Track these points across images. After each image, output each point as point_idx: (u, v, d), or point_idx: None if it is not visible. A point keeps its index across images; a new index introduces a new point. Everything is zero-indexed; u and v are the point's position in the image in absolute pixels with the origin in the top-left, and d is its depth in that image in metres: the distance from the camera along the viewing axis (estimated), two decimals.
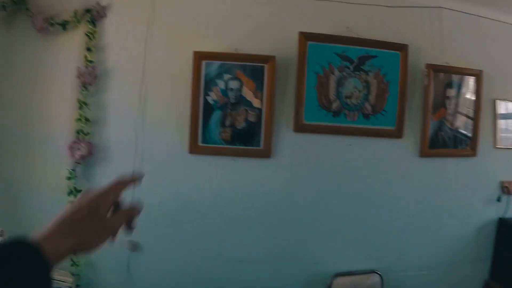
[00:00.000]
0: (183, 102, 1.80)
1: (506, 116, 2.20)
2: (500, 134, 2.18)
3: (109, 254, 1.75)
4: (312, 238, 1.89)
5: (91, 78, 1.79)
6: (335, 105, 1.84)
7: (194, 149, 1.80)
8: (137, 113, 1.82)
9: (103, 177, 1.82)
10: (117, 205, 0.50)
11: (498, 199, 2.16)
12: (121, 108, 1.84)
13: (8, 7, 1.74)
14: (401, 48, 1.89)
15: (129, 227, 0.51)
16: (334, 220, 1.90)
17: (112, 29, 1.85)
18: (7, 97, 1.79)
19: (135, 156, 1.82)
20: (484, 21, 2.17)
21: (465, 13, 2.13)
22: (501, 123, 2.18)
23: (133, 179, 0.51)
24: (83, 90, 1.79)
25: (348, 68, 1.85)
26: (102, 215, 0.46)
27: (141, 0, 1.86)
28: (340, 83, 1.84)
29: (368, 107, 1.87)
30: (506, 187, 2.18)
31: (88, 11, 1.81)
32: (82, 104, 1.79)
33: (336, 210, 1.90)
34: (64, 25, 1.78)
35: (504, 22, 2.23)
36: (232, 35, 1.84)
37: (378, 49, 1.87)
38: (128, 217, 0.50)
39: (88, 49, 1.80)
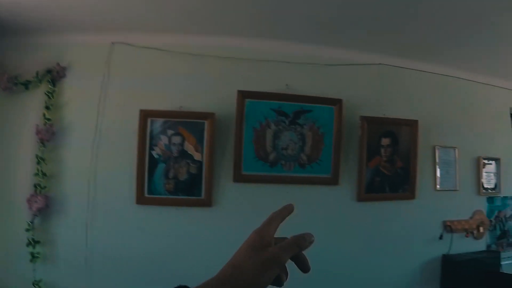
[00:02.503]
0: (131, 156, 1.84)
1: (445, 161, 2.18)
2: (439, 177, 2.15)
3: None
4: None
5: (48, 135, 1.84)
6: (272, 156, 1.86)
7: (140, 200, 1.82)
8: (90, 168, 1.86)
9: (59, 228, 1.83)
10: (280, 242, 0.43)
11: (440, 237, 2.11)
12: (75, 163, 1.87)
13: None
14: (335, 102, 1.92)
15: (302, 266, 0.43)
16: None
17: (70, 88, 1.91)
18: None
19: (88, 208, 1.84)
20: (421, 75, 2.21)
21: (403, 68, 2.17)
22: (441, 167, 2.17)
23: (287, 210, 0.47)
24: (41, 146, 1.84)
25: (284, 122, 1.88)
26: (265, 247, 0.40)
27: (98, 62, 1.92)
28: (276, 136, 1.87)
29: (303, 157, 1.89)
30: (449, 225, 2.14)
31: (49, 71, 1.86)
32: (39, 160, 1.83)
33: None
34: (26, 84, 1.83)
35: (441, 74, 2.25)
36: (177, 94, 1.89)
37: (313, 104, 1.91)
38: (295, 246, 0.42)
39: (47, 108, 1.85)
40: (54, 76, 1.88)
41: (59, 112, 1.88)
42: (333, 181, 1.91)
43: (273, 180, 1.86)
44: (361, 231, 1.98)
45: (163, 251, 1.83)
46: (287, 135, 1.87)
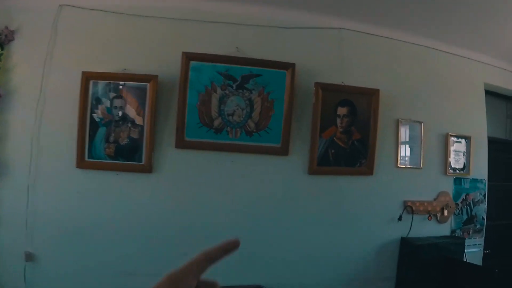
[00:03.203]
0: (73, 120, 1.76)
1: (409, 136, 2.01)
2: (402, 154, 1.99)
3: (5, 266, 1.70)
4: (195, 251, 1.75)
5: None
6: (217, 123, 1.74)
7: (81, 164, 1.74)
8: (33, 131, 1.79)
9: (0, 190, 1.77)
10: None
11: (399, 218, 1.96)
12: (19, 126, 1.81)
13: None
14: (288, 67, 1.79)
15: None
16: (218, 235, 1.76)
17: (18, 52, 1.84)
18: None
19: (30, 171, 1.77)
20: (387, 42, 2.05)
21: (367, 33, 2.01)
22: (404, 142, 2.00)
23: (225, 250, 0.38)
24: None
25: (231, 86, 1.75)
26: None
27: (45, 25, 1.85)
28: (222, 101, 1.75)
29: (251, 124, 1.76)
30: (410, 206, 1.98)
31: None
32: None
33: (220, 225, 1.76)
34: None
35: (410, 43, 2.08)
36: (122, 57, 1.80)
37: (264, 68, 1.77)
38: None
39: None
40: (2, 39, 1.80)
41: (6, 75, 1.81)
42: (283, 151, 1.78)
43: (217, 148, 1.74)
44: (312, 206, 1.85)
45: (102, 216, 1.75)
46: (233, 100, 1.75)
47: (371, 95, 1.90)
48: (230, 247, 0.38)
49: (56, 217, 1.76)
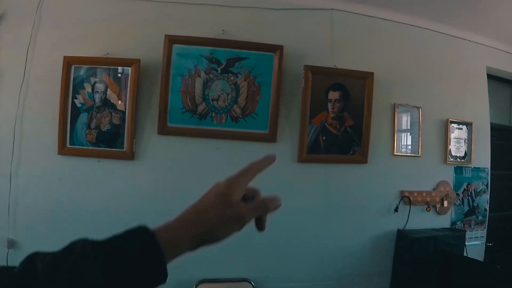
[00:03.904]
0: (55, 106, 1.68)
1: (406, 123, 1.88)
2: (399, 141, 1.85)
3: None
4: None
5: None
6: (201, 108, 1.65)
7: (62, 150, 1.67)
8: (16, 117, 1.72)
9: None
10: (250, 195, 0.41)
11: (396, 209, 1.82)
12: (2, 112, 1.74)
13: None
14: (275, 49, 1.67)
15: (261, 226, 0.42)
16: None
17: (2, 37, 1.78)
18: None
19: (13, 157, 1.71)
20: (382, 24, 1.91)
21: (361, 14, 1.88)
22: (401, 129, 1.86)
23: (268, 161, 0.42)
24: None
25: (216, 70, 1.64)
26: (233, 202, 0.38)
27: (30, 9, 1.79)
28: (206, 85, 1.64)
29: (236, 109, 1.66)
30: (407, 196, 1.84)
31: None
32: None
33: None
34: None
35: (407, 24, 1.94)
36: (104, 41, 1.71)
37: (250, 51, 1.66)
38: (263, 209, 0.40)
39: None
40: None
41: None
42: (270, 138, 1.67)
43: (202, 134, 1.64)
44: (302, 196, 1.74)
45: (84, 203, 1.68)
46: (218, 85, 1.65)
47: (365, 78, 1.77)
48: (271, 159, 0.42)
49: (38, 204, 1.69)
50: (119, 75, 1.65)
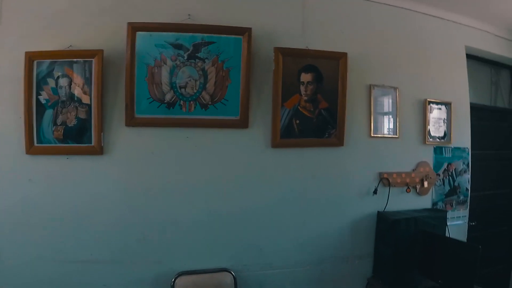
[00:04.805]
0: (19, 104, 1.60)
1: (383, 103, 1.81)
2: (376, 122, 1.78)
3: None
4: (154, 235, 1.60)
5: None
6: (168, 97, 1.57)
7: (30, 150, 1.59)
8: None
9: None
10: None
11: (375, 192, 1.77)
12: None
13: None
14: (243, 32, 1.59)
15: None
16: (177, 217, 1.61)
17: None
18: None
19: None
20: (356, 2, 1.82)
21: None
22: (377, 110, 1.79)
23: None
24: None
25: (182, 56, 1.56)
26: None
27: None
28: (173, 73, 1.56)
29: (205, 96, 1.58)
30: (386, 178, 1.78)
31: None
32: None
33: (179, 206, 1.61)
34: None
35: (382, 3, 1.86)
36: (66, 33, 1.62)
37: (217, 35, 1.58)
38: None
39: None
40: None
41: None
42: (242, 123, 1.60)
43: (171, 123, 1.57)
44: (278, 182, 1.68)
45: (55, 203, 1.60)
46: (185, 72, 1.57)
47: (338, 59, 1.69)
48: None
49: (8, 207, 1.61)
50: (83, 67, 1.57)
